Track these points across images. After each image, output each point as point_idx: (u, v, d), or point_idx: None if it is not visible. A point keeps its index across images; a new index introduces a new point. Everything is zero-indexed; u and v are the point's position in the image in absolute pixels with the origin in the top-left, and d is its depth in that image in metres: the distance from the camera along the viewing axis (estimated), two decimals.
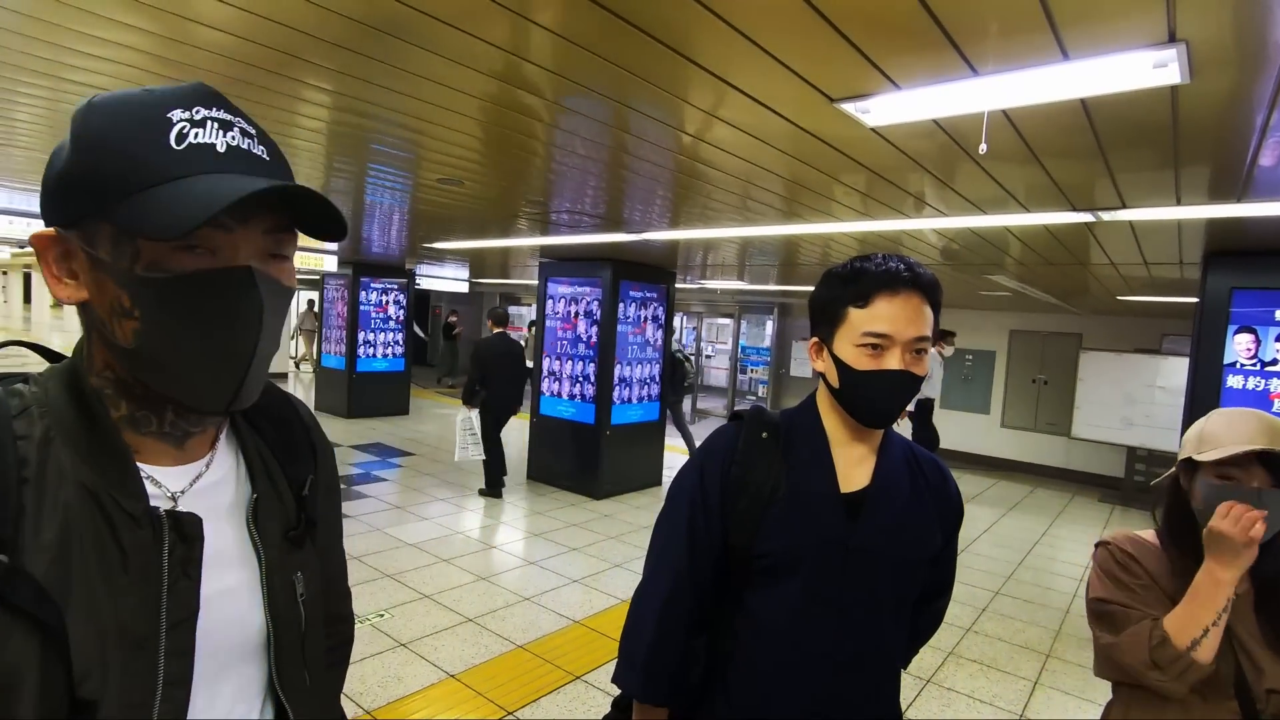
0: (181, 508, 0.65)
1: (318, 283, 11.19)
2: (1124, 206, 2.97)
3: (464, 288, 13.60)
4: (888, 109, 1.92)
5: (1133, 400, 7.89)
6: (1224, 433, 1.27)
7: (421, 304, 15.83)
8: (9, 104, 2.61)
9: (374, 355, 10.08)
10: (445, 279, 12.30)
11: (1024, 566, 5.50)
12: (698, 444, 1.32)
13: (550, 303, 7.08)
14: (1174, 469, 1.38)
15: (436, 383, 14.81)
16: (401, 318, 10.36)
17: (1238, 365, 3.70)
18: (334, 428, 8.91)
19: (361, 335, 9.88)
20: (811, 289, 1.25)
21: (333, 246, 8.41)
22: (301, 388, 12.88)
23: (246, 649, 0.70)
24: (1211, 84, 1.65)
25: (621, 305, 6.71)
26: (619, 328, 6.69)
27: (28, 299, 27.35)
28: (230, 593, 0.68)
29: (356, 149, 3.08)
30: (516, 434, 8.71)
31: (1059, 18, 1.38)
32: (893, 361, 1.12)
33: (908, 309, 1.12)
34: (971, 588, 4.86)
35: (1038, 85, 1.67)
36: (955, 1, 1.36)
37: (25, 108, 2.65)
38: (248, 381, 0.62)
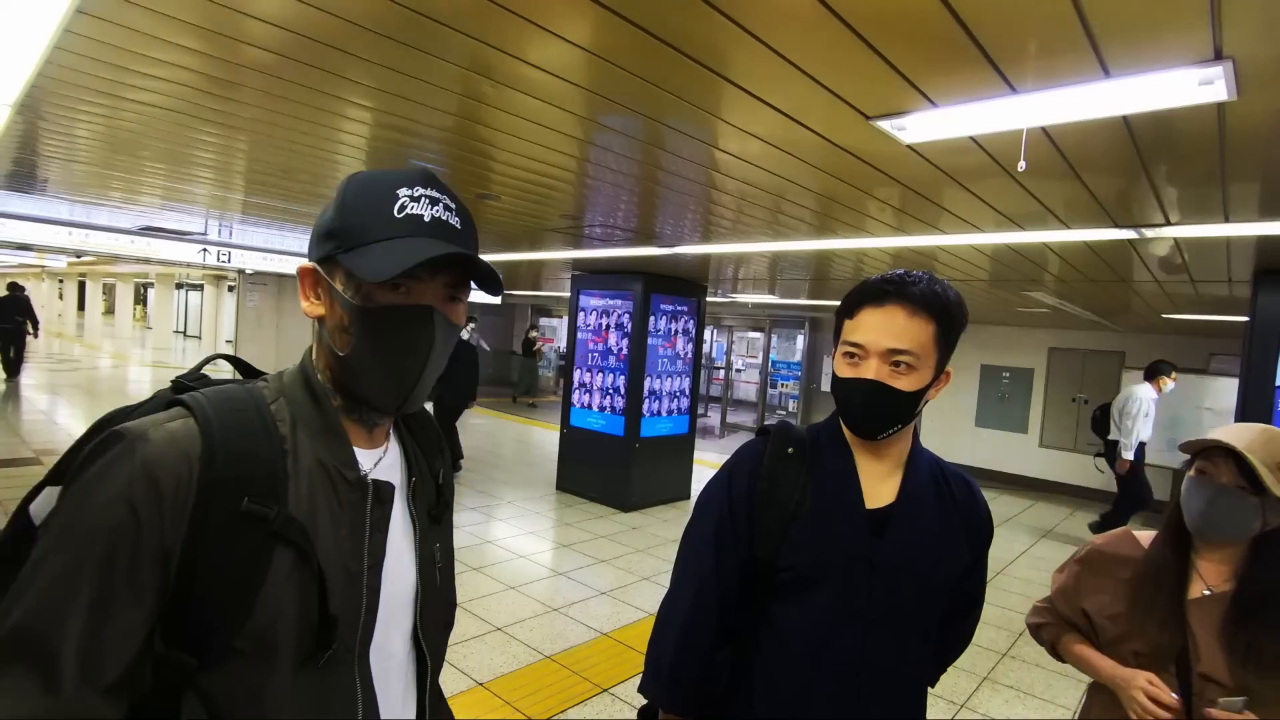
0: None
1: None
2: (1168, 223, 2.90)
3: (496, 300, 13.75)
4: (924, 126, 1.92)
5: (1179, 422, 7.62)
6: (1217, 433, 1.35)
7: None
8: (70, 121, 2.73)
9: None
10: (475, 290, 12.40)
11: None
12: (719, 457, 1.32)
13: (582, 315, 7.13)
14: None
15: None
16: None
17: None
18: None
19: None
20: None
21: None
22: None
23: (404, 599, 0.87)
24: (1260, 101, 1.61)
25: (652, 319, 6.73)
26: (650, 341, 6.71)
27: (82, 306, 28.43)
28: (398, 552, 0.86)
29: (393, 163, 3.16)
30: (548, 445, 8.75)
31: (1100, 36, 1.37)
32: (867, 371, 1.13)
33: (887, 320, 1.13)
34: (1008, 611, 4.74)
35: (1078, 103, 1.65)
36: (994, 21, 1.35)
37: (85, 125, 2.78)
38: (416, 390, 0.82)
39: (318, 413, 0.82)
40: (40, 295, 27.55)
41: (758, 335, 14.40)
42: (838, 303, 1.24)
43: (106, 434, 0.72)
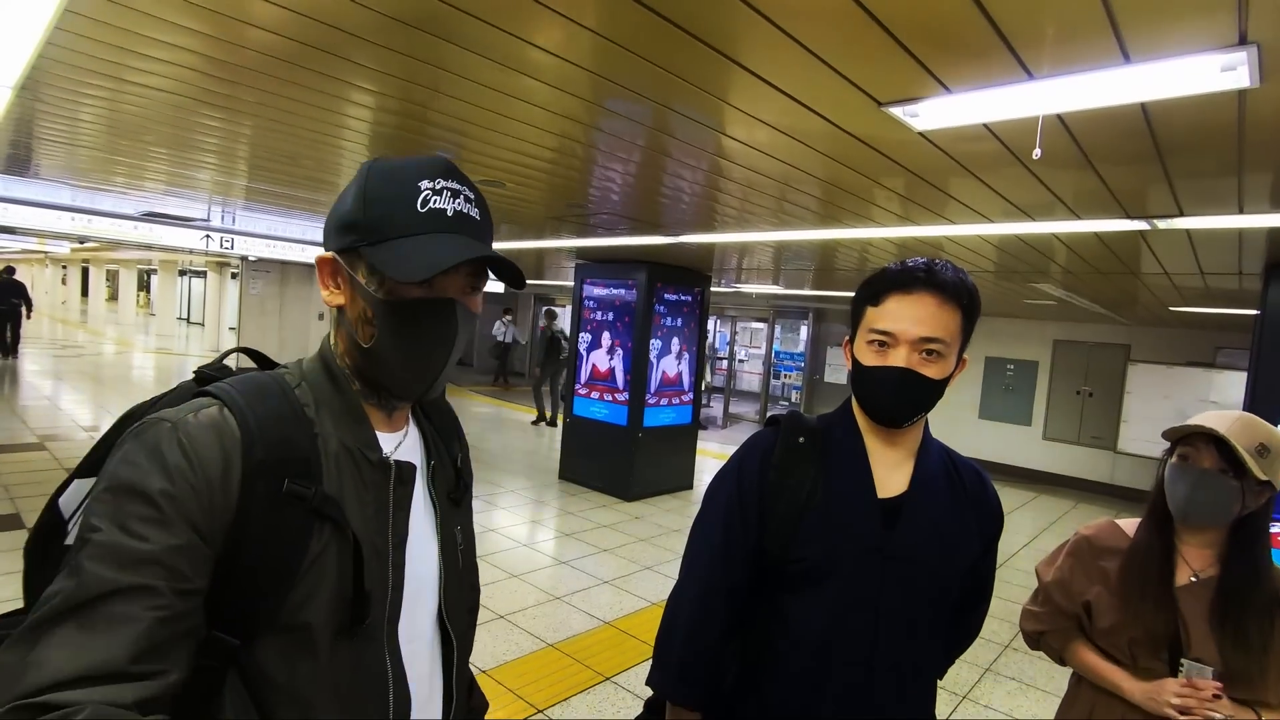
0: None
1: None
2: (1181, 214, 2.87)
3: (499, 287, 13.72)
4: (937, 113, 1.88)
5: (1184, 415, 7.50)
6: (1198, 420, 1.39)
7: None
8: (74, 104, 2.71)
9: None
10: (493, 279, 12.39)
11: None
12: (722, 447, 1.29)
13: (585, 304, 7.11)
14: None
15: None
16: None
17: None
18: None
19: None
20: (850, 294, 1.24)
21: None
22: None
23: (428, 580, 0.89)
24: None
25: (656, 307, 6.71)
26: (653, 330, 6.69)
27: (85, 293, 28.48)
28: (421, 533, 0.89)
29: (399, 150, 3.13)
30: (550, 434, 8.75)
31: (1122, 20, 1.34)
32: (896, 359, 1.11)
33: (917, 308, 1.11)
34: (1010, 603, 4.73)
35: (1096, 89, 1.62)
36: (1013, 4, 1.32)
37: (88, 108, 2.76)
38: (440, 379, 0.85)
39: (339, 397, 0.84)
40: (44, 281, 27.60)
41: (761, 325, 14.35)
42: (842, 293, 1.22)
43: (144, 421, 0.73)
